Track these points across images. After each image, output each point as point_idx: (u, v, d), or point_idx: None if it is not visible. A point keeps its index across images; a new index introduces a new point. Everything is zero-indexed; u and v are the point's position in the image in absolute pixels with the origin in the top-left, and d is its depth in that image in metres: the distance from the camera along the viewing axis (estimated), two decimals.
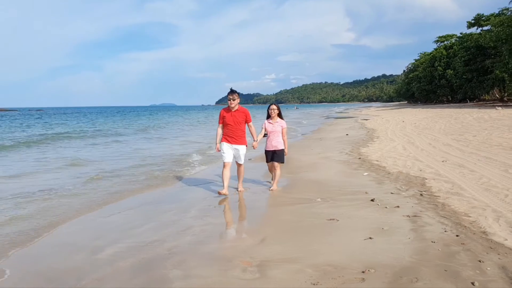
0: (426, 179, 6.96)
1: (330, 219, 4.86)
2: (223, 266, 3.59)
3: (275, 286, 3.14)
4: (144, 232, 4.68)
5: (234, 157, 6.58)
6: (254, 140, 6.55)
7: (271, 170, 6.81)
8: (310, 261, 3.57)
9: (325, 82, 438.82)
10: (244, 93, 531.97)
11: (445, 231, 4.26)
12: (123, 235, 4.63)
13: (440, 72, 56.88)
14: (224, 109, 6.58)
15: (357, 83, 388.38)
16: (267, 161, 6.80)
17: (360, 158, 9.91)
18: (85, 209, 5.90)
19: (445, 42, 60.83)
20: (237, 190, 6.63)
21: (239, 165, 6.65)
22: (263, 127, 6.75)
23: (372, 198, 5.75)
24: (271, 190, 6.51)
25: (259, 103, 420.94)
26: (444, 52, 57.60)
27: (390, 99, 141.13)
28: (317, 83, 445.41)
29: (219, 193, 6.33)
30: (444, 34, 62.75)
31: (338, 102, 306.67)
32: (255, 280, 3.27)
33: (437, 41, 62.74)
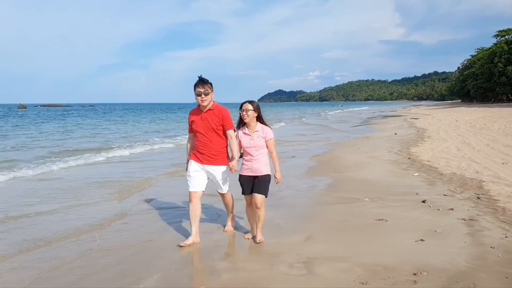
0: (483, 181, 6.54)
1: (379, 219, 4.73)
2: (269, 260, 3.63)
3: (322, 283, 3.12)
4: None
5: (212, 183, 4.33)
6: (233, 157, 4.17)
7: (250, 206, 4.27)
8: (358, 261, 3.51)
9: (372, 80, 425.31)
10: (286, 90, 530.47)
11: (506, 236, 3.99)
12: (170, 227, 4.81)
13: (500, 69, 52.94)
14: (193, 110, 4.32)
15: (406, 81, 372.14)
16: (243, 193, 4.25)
17: (410, 158, 9.52)
18: None
19: (507, 37, 56.44)
20: (223, 229, 4.59)
21: (222, 194, 4.43)
22: (237, 139, 4.20)
23: (423, 200, 5.52)
24: (257, 241, 4.11)
25: (302, 100, 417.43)
26: (505, 47, 53.47)
27: (442, 98, 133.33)
28: (363, 80, 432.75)
29: (180, 246, 4.04)
30: (505, 27, 58.24)
31: (385, 100, 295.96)
32: (302, 276, 3.27)
33: (497, 35, 58.34)
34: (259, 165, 4.09)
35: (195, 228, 4.16)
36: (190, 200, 4.19)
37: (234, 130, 4.19)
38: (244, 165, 4.18)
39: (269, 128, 4.17)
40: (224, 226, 4.67)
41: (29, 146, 14.31)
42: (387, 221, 4.67)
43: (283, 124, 29.39)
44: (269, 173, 4.13)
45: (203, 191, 4.24)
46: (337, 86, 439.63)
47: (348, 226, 4.59)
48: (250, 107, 4.04)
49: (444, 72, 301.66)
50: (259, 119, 4.16)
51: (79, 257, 3.83)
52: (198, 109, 4.23)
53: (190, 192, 4.19)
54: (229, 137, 4.18)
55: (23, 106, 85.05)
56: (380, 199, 5.75)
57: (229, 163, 4.17)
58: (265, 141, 4.10)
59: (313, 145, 13.60)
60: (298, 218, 5.02)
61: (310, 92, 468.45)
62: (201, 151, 4.17)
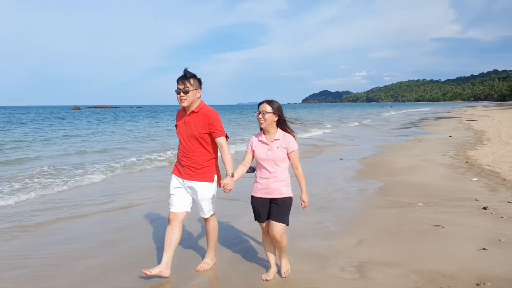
0: None
1: (435, 225, 4.52)
2: (320, 263, 3.61)
3: None
4: (241, 225, 4.92)
5: (195, 202, 3.48)
6: (227, 174, 3.25)
7: (268, 235, 3.35)
8: (413, 267, 3.39)
9: (423, 80, 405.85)
10: (332, 91, 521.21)
11: None
12: (225, 226, 4.93)
13: None
14: (180, 110, 3.53)
15: (461, 80, 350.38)
16: (256, 219, 3.38)
17: (467, 162, 8.98)
18: None
19: None
20: (193, 270, 3.55)
21: (205, 219, 3.57)
22: (248, 149, 3.40)
23: (484, 206, 5.19)
24: (282, 274, 3.38)
25: (348, 101, 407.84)
26: None
27: (502, 98, 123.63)
28: (413, 80, 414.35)
29: (143, 272, 3.21)
30: None
31: (437, 101, 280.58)
32: (355, 280, 3.22)
33: None
34: (279, 185, 3.21)
35: (166, 257, 3.29)
36: (168, 222, 3.38)
37: (227, 137, 3.39)
38: (258, 184, 3.30)
39: (292, 137, 3.30)
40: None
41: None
42: (443, 227, 4.46)
43: (356, 123, 29.53)
44: (291, 195, 3.26)
45: (187, 212, 3.44)
46: (385, 86, 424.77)
47: (402, 231, 4.44)
48: (268, 108, 3.21)
49: (505, 71, 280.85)
50: (281, 124, 3.31)
51: (131, 252, 4.05)
52: (184, 111, 3.44)
53: (169, 212, 3.39)
54: (219, 147, 3.34)
55: (77, 108, 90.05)
56: (435, 204, 5.49)
57: (222, 181, 3.22)
58: (287, 153, 3.25)
59: (362, 147, 13.25)
60: (348, 222, 4.93)
61: (357, 92, 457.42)
62: (182, 163, 3.40)
